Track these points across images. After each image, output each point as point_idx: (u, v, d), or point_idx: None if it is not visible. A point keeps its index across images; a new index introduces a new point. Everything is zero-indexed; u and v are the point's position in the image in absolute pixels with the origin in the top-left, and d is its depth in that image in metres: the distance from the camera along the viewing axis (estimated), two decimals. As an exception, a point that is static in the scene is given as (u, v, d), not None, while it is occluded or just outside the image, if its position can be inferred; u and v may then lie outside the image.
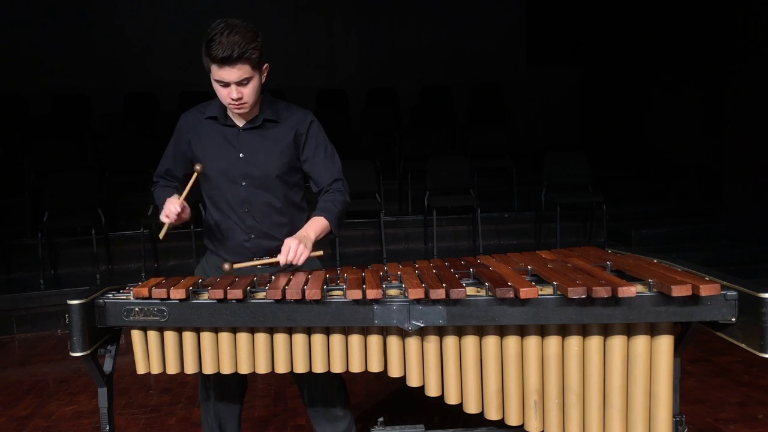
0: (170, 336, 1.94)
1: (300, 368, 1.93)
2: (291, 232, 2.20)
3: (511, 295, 1.77)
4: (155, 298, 1.90)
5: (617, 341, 1.82)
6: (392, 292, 1.92)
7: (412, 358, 1.91)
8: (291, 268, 2.11)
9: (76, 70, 7.99)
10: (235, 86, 2.06)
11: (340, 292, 1.91)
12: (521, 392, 1.89)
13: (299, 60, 8.40)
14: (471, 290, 1.88)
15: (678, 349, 1.94)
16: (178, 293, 1.88)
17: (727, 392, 3.49)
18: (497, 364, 1.88)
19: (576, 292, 1.72)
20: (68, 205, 5.91)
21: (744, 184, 6.11)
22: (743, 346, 1.74)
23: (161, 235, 2.16)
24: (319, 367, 1.93)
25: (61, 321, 4.59)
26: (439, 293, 1.80)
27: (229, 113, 2.22)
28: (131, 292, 1.94)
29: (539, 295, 1.77)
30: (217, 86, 2.10)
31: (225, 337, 1.94)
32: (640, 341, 1.82)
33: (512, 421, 1.91)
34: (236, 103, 2.09)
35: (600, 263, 2.03)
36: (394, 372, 1.93)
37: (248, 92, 2.09)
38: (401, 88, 8.37)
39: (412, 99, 8.30)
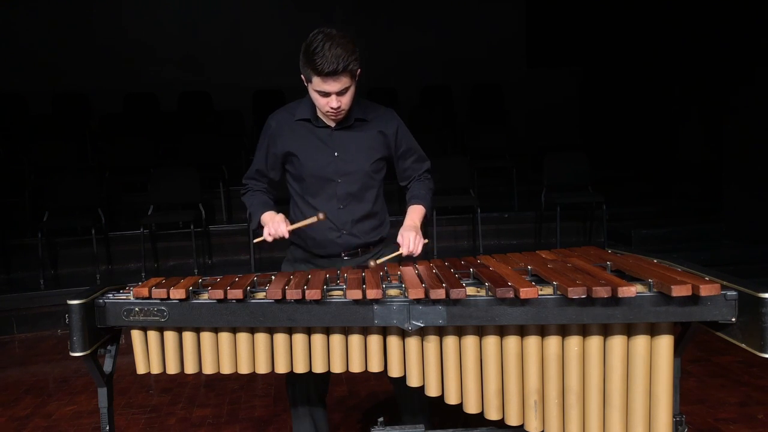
0: (170, 336, 1.95)
1: (300, 368, 1.94)
2: (378, 227, 2.38)
3: (511, 295, 1.76)
4: (155, 298, 1.90)
5: (617, 341, 1.82)
6: (392, 292, 1.92)
7: (412, 358, 1.91)
8: (410, 258, 2.22)
9: (76, 70, 7.99)
10: (335, 96, 2.14)
11: (340, 292, 1.91)
12: (521, 392, 1.89)
13: (299, 60, 8.38)
14: (471, 290, 1.88)
15: (678, 349, 1.94)
16: (178, 293, 1.89)
17: (727, 392, 3.49)
18: (497, 364, 1.88)
19: (576, 292, 1.72)
20: (68, 205, 5.91)
21: (744, 184, 6.10)
22: (743, 346, 1.74)
23: (257, 241, 2.27)
24: (319, 367, 1.93)
25: (61, 321, 4.58)
26: (439, 293, 1.79)
27: (320, 114, 2.28)
28: (131, 292, 1.95)
29: (539, 295, 1.77)
30: (315, 95, 2.18)
31: (225, 337, 1.94)
32: (640, 341, 1.81)
33: (512, 421, 1.91)
34: (334, 111, 2.18)
35: (600, 263, 2.03)
36: (394, 372, 1.93)
37: (346, 101, 2.18)
38: (401, 88, 8.36)
39: (412, 99, 8.29)
